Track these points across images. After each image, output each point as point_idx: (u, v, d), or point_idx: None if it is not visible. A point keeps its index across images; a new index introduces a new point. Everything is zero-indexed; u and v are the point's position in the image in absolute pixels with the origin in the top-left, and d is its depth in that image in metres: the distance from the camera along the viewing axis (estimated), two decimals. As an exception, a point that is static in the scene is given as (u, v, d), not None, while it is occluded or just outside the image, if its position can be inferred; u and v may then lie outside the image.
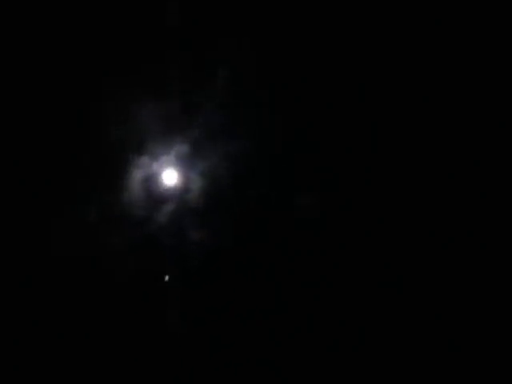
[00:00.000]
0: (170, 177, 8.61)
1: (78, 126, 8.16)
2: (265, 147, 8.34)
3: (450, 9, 6.76)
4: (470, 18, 6.76)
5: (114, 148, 8.34)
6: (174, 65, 8.15)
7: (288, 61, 7.79)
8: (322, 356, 7.07)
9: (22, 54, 7.66)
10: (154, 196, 8.43)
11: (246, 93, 8.23)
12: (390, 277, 7.04)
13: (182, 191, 8.46)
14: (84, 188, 8.17)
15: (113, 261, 8.10)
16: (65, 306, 7.82)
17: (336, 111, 7.78)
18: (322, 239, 7.82)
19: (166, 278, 8.48)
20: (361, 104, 7.58)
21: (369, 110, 7.47)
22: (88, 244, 8.00)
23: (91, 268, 8.04)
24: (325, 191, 7.87)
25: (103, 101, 8.13)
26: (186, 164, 8.48)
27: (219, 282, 8.19)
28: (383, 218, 7.25)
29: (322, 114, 7.86)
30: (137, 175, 8.36)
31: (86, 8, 7.61)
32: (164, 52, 8.07)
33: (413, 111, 7.38)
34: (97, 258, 8.01)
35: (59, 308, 7.82)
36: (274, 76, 7.97)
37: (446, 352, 6.74)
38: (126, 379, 7.55)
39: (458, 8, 6.72)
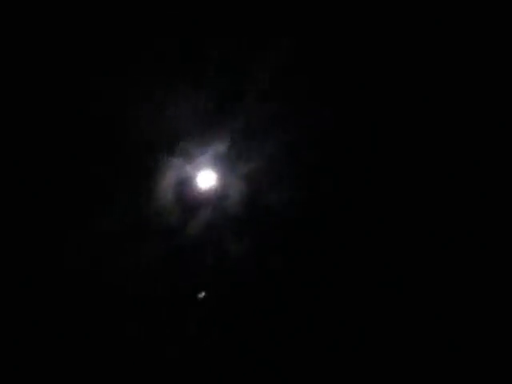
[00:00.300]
0: (205, 180, 7.59)
1: (102, 123, 7.20)
2: (310, 146, 7.24)
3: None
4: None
5: (143, 148, 7.38)
6: (210, 57, 7.09)
7: (327, 61, 7.00)
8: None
9: (51, 60, 6.86)
10: (188, 202, 7.46)
11: (290, 86, 7.12)
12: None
13: (220, 197, 7.49)
14: (109, 194, 7.24)
15: (141, 276, 7.19)
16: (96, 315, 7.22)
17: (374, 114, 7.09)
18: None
19: (201, 294, 7.53)
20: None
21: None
22: (112, 257, 7.10)
23: (118, 282, 7.17)
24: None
25: (128, 96, 7.14)
26: (223, 166, 7.48)
27: (261, 303, 7.18)
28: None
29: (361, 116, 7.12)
30: (168, 179, 7.40)
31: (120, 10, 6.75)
32: (199, 47, 7.03)
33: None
34: (122, 272, 7.11)
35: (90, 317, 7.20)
36: (315, 75, 7.08)
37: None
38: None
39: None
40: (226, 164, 7.45)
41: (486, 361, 6.45)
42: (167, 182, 7.36)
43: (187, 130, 7.37)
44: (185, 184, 7.46)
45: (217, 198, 7.47)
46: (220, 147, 7.40)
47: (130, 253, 7.19)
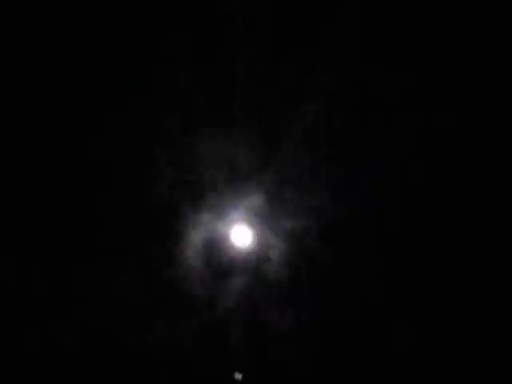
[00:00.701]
0: (239, 240, 6.35)
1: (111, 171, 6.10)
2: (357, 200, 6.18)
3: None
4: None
5: (164, 203, 6.22)
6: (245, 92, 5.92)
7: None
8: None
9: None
10: (219, 268, 6.24)
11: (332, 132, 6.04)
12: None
13: (257, 259, 6.24)
14: (124, 261, 6.07)
15: (164, 362, 5.98)
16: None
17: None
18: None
19: (238, 377, 6.26)
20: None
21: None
22: (131, 336, 5.93)
23: (137, 368, 5.98)
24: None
25: (144, 138, 6.04)
26: (260, 222, 6.24)
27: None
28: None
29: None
30: (194, 240, 6.20)
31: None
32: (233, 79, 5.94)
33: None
34: (142, 355, 5.93)
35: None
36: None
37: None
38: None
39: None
40: (263, 220, 6.19)
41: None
42: (193, 243, 6.14)
43: (216, 180, 6.16)
44: (215, 245, 6.23)
45: (254, 262, 6.18)
46: (256, 200, 6.15)
47: (151, 330, 5.96)
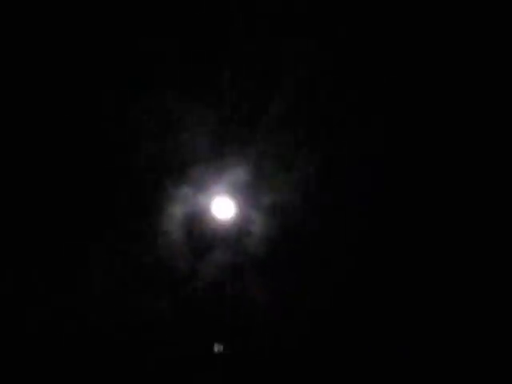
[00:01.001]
0: (221, 213, 6.32)
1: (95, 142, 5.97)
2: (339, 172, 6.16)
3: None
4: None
5: (145, 175, 6.13)
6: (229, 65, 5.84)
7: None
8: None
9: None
10: (200, 241, 6.21)
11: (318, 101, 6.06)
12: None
13: (238, 233, 6.23)
14: (106, 233, 5.98)
15: (146, 332, 5.96)
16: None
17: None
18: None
19: (218, 348, 6.29)
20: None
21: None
22: (111, 310, 5.88)
23: (119, 338, 5.97)
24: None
25: (130, 112, 5.92)
26: (243, 196, 6.21)
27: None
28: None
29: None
30: (176, 212, 6.14)
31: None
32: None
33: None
34: (123, 327, 5.90)
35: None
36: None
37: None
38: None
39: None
40: (245, 194, 6.17)
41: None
42: (175, 216, 6.08)
43: (199, 153, 6.09)
44: (196, 218, 6.19)
45: (235, 235, 6.17)
46: (239, 173, 6.12)
47: (131, 304, 5.91)
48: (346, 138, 6.19)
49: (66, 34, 5.86)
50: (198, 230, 6.21)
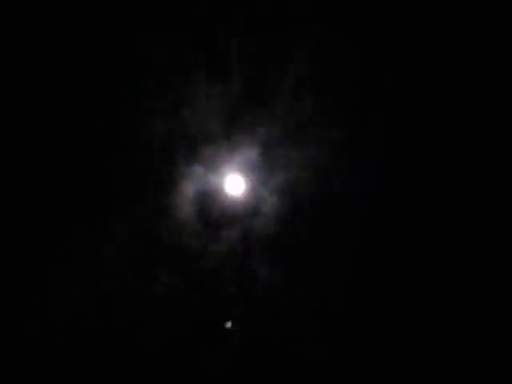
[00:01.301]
0: (232, 192, 6.38)
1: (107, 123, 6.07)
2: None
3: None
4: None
5: (157, 154, 6.23)
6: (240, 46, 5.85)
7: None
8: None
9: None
10: (211, 219, 6.30)
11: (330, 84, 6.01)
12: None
13: (249, 213, 6.29)
14: (117, 212, 6.13)
15: (155, 310, 6.12)
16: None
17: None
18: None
19: (228, 324, 6.42)
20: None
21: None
22: (122, 286, 6.05)
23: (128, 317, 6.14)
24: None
25: (140, 91, 5.99)
26: (254, 175, 6.25)
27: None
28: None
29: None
30: (187, 191, 6.24)
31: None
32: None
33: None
34: (133, 305, 6.07)
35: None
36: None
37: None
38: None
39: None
40: (257, 173, 6.21)
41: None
42: (186, 195, 6.17)
43: (210, 132, 6.15)
44: (207, 197, 6.27)
45: (245, 215, 6.24)
46: (250, 153, 6.15)
47: (141, 280, 6.07)
48: (360, 116, 6.15)
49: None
50: (210, 207, 6.30)
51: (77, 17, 5.96)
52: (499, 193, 6.05)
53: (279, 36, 5.99)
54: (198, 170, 6.26)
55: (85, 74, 6.01)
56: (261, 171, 6.31)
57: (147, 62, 6.01)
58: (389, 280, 6.11)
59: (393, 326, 6.07)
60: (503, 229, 6.07)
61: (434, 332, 6.04)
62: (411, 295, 6.08)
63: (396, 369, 6.00)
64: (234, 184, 6.35)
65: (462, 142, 6.06)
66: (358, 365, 6.04)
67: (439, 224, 6.14)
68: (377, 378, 6.00)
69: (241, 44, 5.99)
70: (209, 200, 6.32)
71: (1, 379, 5.85)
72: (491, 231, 6.04)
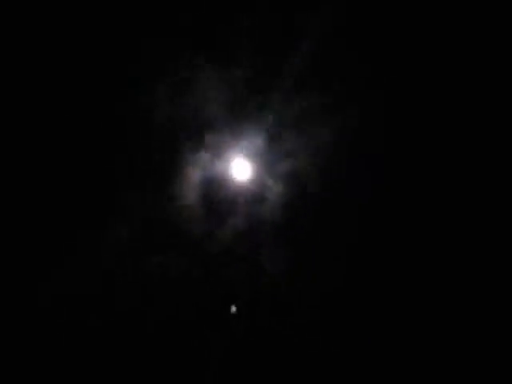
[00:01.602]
0: (237, 179, 6.34)
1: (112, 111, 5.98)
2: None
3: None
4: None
5: (162, 140, 6.16)
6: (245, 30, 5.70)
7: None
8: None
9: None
10: (216, 206, 6.27)
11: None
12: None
13: (255, 199, 6.25)
14: (123, 198, 6.10)
15: (161, 296, 6.15)
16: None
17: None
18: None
19: (233, 309, 6.47)
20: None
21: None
22: (126, 272, 6.07)
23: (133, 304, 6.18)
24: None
25: (143, 77, 5.88)
26: (259, 162, 6.19)
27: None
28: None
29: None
30: (192, 178, 6.19)
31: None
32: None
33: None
34: (136, 289, 6.11)
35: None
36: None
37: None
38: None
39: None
40: (262, 160, 6.16)
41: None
42: (191, 181, 6.14)
43: (215, 119, 6.06)
44: (212, 183, 6.24)
45: (251, 201, 6.21)
46: (256, 139, 6.09)
47: (146, 267, 6.09)
48: (366, 102, 6.06)
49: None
50: (215, 193, 6.27)
51: (69, 9, 5.82)
52: (500, 188, 6.04)
53: (286, 20, 5.85)
54: (203, 156, 6.20)
55: (84, 61, 5.90)
56: (267, 157, 6.25)
57: (151, 47, 5.88)
58: (394, 270, 6.14)
59: (397, 320, 6.12)
60: (503, 221, 6.10)
61: (438, 325, 6.10)
62: (419, 288, 6.13)
63: (400, 367, 6.09)
64: (240, 170, 6.30)
65: (464, 139, 6.01)
66: (363, 357, 6.12)
67: (447, 216, 6.15)
68: (379, 371, 6.09)
69: (247, 28, 5.85)
70: (215, 186, 6.28)
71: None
72: (491, 226, 6.06)
